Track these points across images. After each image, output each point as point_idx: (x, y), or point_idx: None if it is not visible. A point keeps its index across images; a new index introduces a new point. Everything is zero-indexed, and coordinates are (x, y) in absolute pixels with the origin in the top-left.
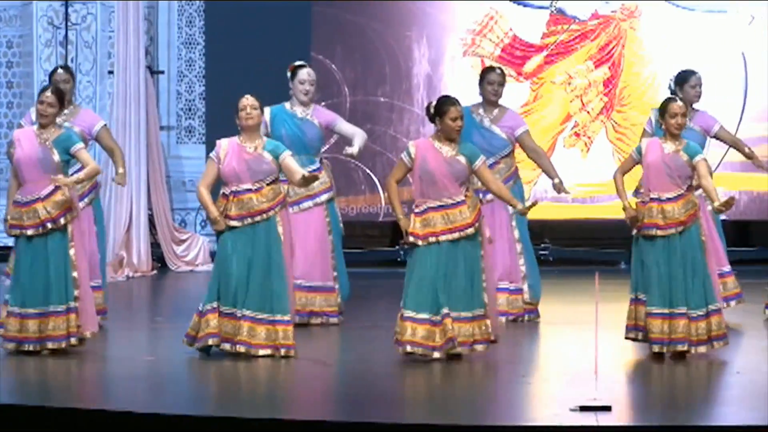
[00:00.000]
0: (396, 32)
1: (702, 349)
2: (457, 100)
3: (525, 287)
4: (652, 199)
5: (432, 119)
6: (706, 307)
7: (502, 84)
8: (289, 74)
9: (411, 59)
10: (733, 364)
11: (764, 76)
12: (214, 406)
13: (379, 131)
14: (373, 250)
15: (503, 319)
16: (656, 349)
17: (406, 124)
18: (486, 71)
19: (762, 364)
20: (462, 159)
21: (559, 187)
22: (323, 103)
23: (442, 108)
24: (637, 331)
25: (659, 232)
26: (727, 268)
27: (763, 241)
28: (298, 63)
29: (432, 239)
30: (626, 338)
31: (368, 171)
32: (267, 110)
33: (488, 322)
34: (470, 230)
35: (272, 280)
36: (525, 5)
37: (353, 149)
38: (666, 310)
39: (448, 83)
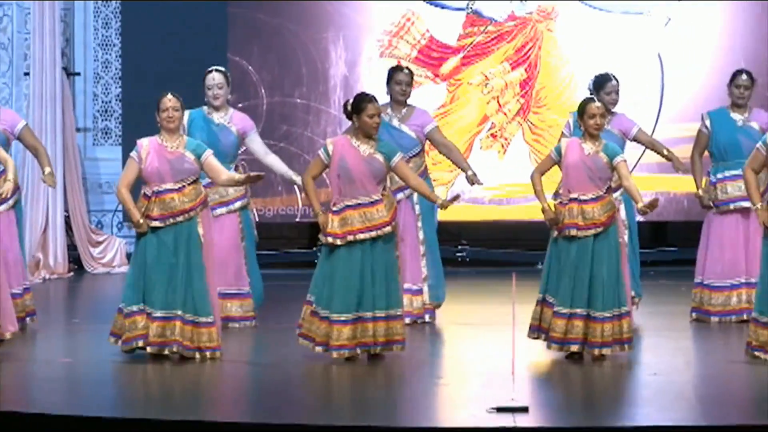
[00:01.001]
0: (312, 33)
1: (606, 350)
2: (374, 97)
3: (425, 288)
4: (571, 200)
5: (350, 117)
6: (617, 309)
7: (409, 84)
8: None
9: (328, 60)
10: (651, 365)
11: (680, 78)
12: (133, 408)
13: (296, 133)
14: (291, 251)
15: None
16: (555, 348)
17: (323, 125)
18: (393, 71)
19: (680, 366)
20: (380, 157)
21: (472, 179)
22: (240, 105)
23: (359, 105)
24: (540, 332)
25: (579, 233)
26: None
27: (680, 241)
28: (210, 68)
29: (350, 237)
30: (528, 337)
31: None
32: (186, 113)
33: (401, 324)
34: (387, 228)
35: (193, 282)
36: (441, 6)
37: (296, 178)
38: (570, 310)
39: (364, 84)
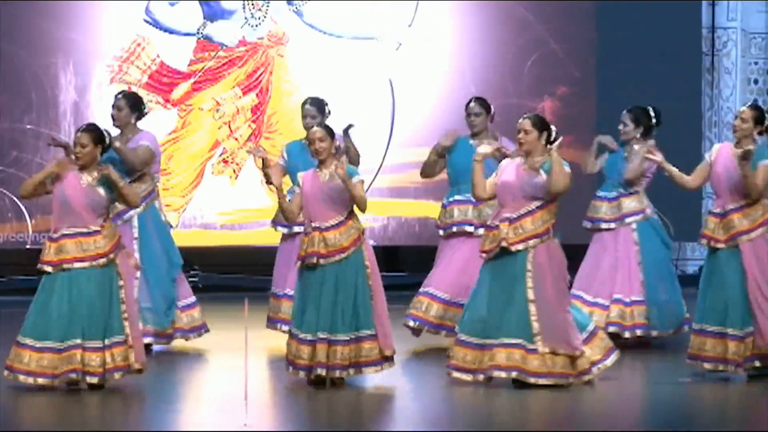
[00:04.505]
0: (41, 59)
1: (351, 372)
2: (84, 127)
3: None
4: (314, 229)
5: None
6: (357, 332)
7: (122, 108)
8: None
9: (57, 87)
10: (387, 387)
11: (411, 103)
12: None
13: (25, 159)
14: (20, 277)
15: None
16: (336, 374)
17: (54, 152)
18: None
19: (423, 389)
20: (101, 190)
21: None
22: None
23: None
24: (295, 367)
25: (322, 261)
26: None
27: (411, 266)
28: None
29: (66, 266)
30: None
31: (15, 198)
32: None
33: (130, 350)
34: (102, 260)
35: None
36: (171, 32)
37: None
38: (314, 336)
39: (95, 110)
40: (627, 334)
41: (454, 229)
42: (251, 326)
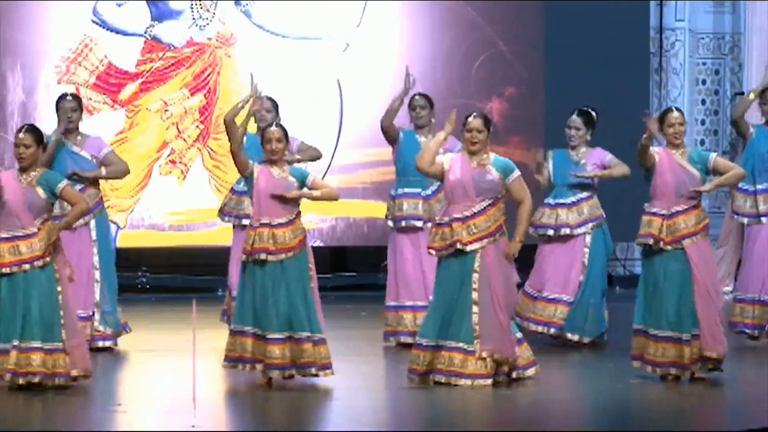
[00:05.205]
0: None
1: (321, 373)
2: (25, 127)
3: (97, 315)
4: (262, 225)
5: None
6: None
7: (75, 110)
8: None
9: (5, 87)
10: (350, 388)
11: (359, 103)
12: None
13: None
14: None
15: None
16: (275, 374)
17: (1, 152)
18: (58, 100)
19: (360, 389)
20: (39, 190)
21: None
22: None
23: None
24: (243, 363)
25: (270, 257)
26: None
27: (360, 266)
28: None
29: (5, 270)
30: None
31: None
32: None
33: (66, 358)
34: (39, 262)
35: None
36: (119, 32)
37: None
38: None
39: (42, 111)
40: (541, 329)
41: (403, 223)
42: (199, 327)
